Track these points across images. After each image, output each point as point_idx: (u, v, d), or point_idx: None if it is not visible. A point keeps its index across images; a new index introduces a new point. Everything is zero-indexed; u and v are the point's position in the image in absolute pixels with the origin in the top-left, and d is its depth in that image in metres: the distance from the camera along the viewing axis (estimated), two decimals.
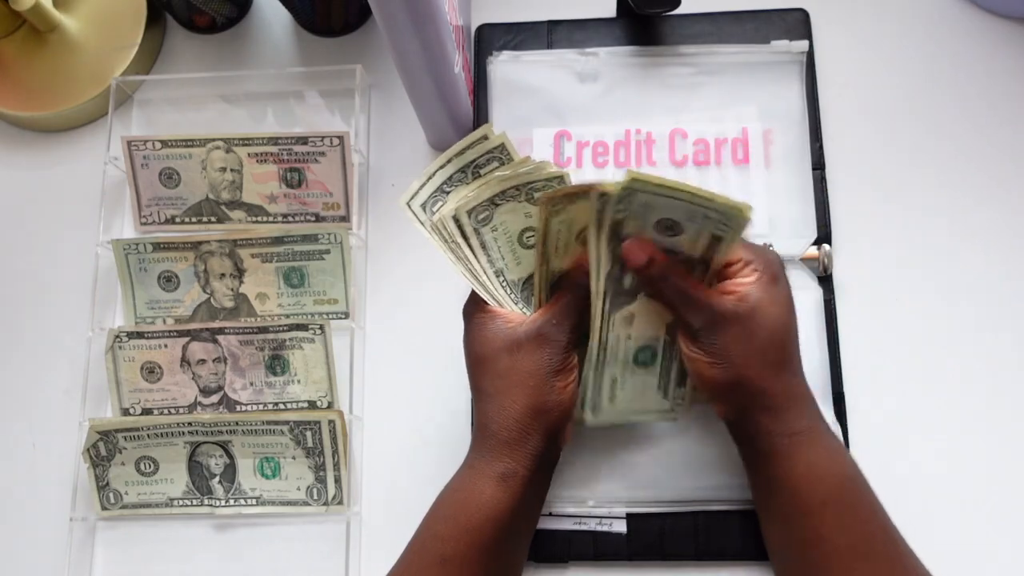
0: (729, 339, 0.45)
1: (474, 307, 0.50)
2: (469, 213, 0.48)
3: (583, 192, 0.44)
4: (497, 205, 0.48)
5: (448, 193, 0.49)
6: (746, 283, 0.46)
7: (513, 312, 0.49)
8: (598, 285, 0.46)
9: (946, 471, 0.55)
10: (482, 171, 0.49)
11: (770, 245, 0.56)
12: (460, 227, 0.48)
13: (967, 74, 0.62)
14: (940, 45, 0.63)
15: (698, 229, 0.44)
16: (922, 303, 0.58)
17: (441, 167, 0.48)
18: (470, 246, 0.48)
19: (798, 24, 0.62)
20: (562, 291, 0.49)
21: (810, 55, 0.61)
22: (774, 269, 0.47)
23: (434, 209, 0.49)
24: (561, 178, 0.48)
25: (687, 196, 0.42)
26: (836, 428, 0.54)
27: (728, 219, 0.43)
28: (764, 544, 0.51)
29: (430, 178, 0.48)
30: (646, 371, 0.50)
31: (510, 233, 0.49)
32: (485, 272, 0.49)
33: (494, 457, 0.47)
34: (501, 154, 0.49)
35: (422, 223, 0.49)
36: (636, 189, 0.42)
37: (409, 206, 0.49)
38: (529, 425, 0.46)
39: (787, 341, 0.46)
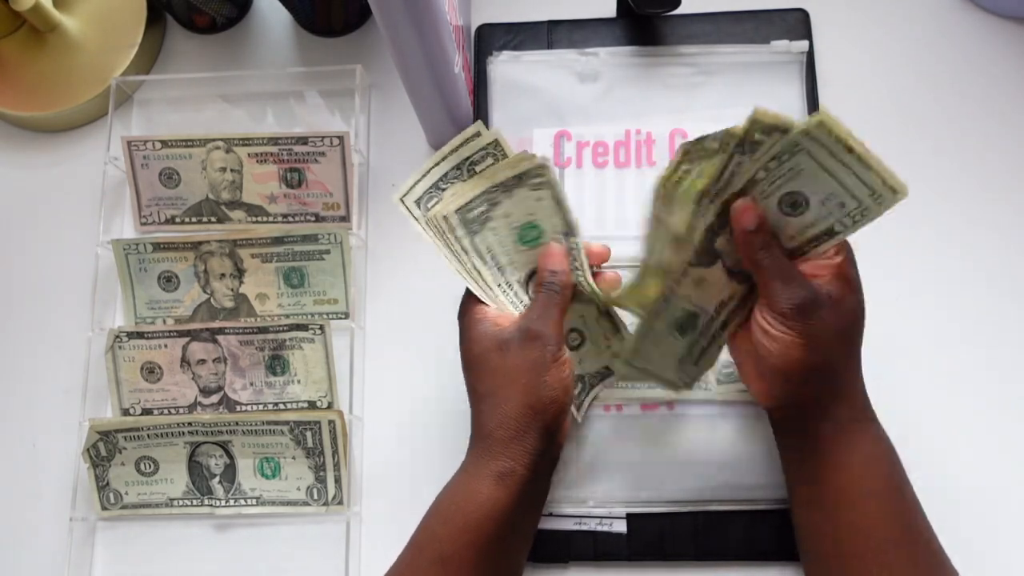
0: (821, 322, 0.44)
1: (466, 308, 0.50)
2: (458, 212, 0.48)
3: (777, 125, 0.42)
4: (496, 204, 0.49)
5: (443, 190, 0.49)
6: (836, 264, 0.45)
7: (503, 313, 0.50)
8: (695, 236, 0.45)
9: (949, 470, 0.55)
10: (477, 168, 0.49)
11: None
12: (450, 226, 0.48)
13: (967, 74, 0.62)
14: (940, 45, 0.63)
15: (822, 215, 0.44)
16: (922, 303, 0.58)
17: (436, 164, 0.49)
18: (461, 246, 0.49)
19: (798, 24, 0.62)
20: (536, 288, 0.49)
21: (810, 55, 0.61)
22: (852, 254, 0.46)
23: (429, 206, 0.49)
24: (543, 166, 0.48)
25: (855, 159, 0.41)
26: None
27: (866, 209, 0.43)
28: (770, 542, 0.51)
29: (424, 175, 0.49)
30: (679, 339, 0.49)
31: (513, 228, 0.49)
32: (477, 270, 0.49)
33: (492, 456, 0.47)
34: (495, 150, 0.49)
35: (416, 219, 0.49)
36: (816, 137, 0.41)
37: (403, 202, 0.49)
38: (525, 423, 0.46)
39: (861, 328, 0.46)
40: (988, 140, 0.61)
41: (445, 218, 0.48)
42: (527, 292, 0.51)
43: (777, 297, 0.44)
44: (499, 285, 0.50)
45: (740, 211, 0.44)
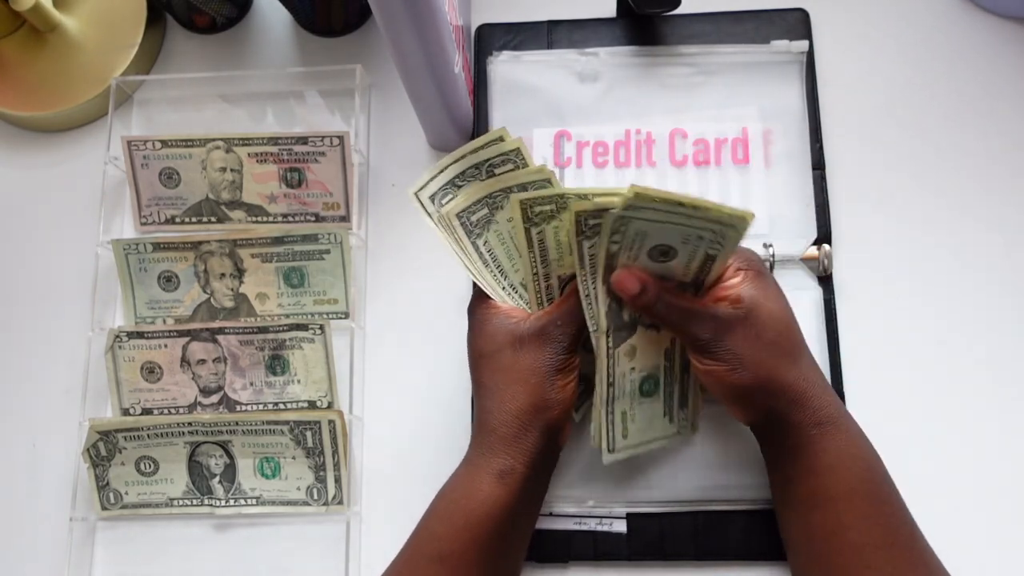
0: (739, 341, 0.45)
1: (479, 302, 0.50)
2: (459, 215, 0.48)
3: (561, 203, 0.45)
4: (499, 208, 0.48)
5: (460, 188, 0.49)
6: (735, 284, 0.46)
7: (517, 308, 0.49)
8: (600, 322, 0.46)
9: (947, 471, 0.55)
10: (496, 171, 0.48)
11: (770, 245, 0.56)
12: (453, 227, 0.48)
13: (967, 74, 0.62)
14: (940, 45, 0.63)
15: (692, 251, 0.44)
16: (922, 303, 0.58)
17: (455, 162, 0.48)
18: (463, 247, 0.49)
19: (798, 24, 0.62)
20: (569, 293, 0.49)
21: (810, 55, 0.61)
22: (756, 264, 0.47)
23: (443, 203, 0.49)
24: (548, 179, 0.48)
25: (688, 209, 0.41)
26: None
27: (724, 235, 0.43)
28: (770, 542, 0.51)
29: (442, 171, 0.48)
30: (652, 400, 0.50)
31: (513, 234, 0.49)
32: (483, 272, 0.49)
33: (493, 454, 0.47)
34: (516, 158, 0.48)
35: (429, 215, 0.49)
36: (638, 206, 0.41)
37: (417, 196, 0.49)
38: (527, 422, 0.46)
39: (792, 330, 0.46)
40: (988, 140, 0.61)
41: (448, 219, 0.48)
42: (531, 292, 0.51)
43: (690, 337, 0.46)
44: (503, 287, 0.50)
45: (618, 283, 0.45)
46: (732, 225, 0.42)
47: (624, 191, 0.40)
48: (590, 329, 0.47)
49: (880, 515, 0.45)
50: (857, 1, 0.64)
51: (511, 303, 0.50)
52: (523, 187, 0.48)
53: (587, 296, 0.46)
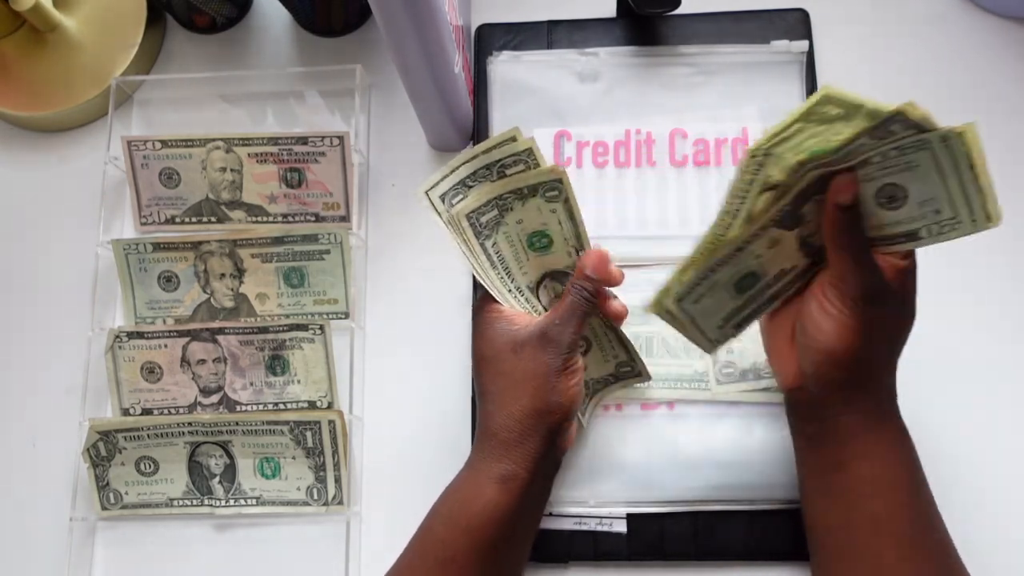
0: (884, 314, 0.43)
1: (482, 305, 0.50)
2: (468, 216, 0.48)
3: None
4: (508, 209, 0.48)
5: (471, 188, 0.48)
6: (900, 265, 0.43)
7: (520, 312, 0.50)
8: (796, 185, 0.43)
9: (948, 470, 0.55)
10: (508, 172, 0.48)
11: None
12: (462, 228, 0.48)
13: (967, 74, 0.62)
14: (940, 45, 0.63)
15: (912, 217, 0.42)
16: (922, 302, 0.58)
17: (466, 162, 0.48)
18: (471, 248, 0.48)
19: (798, 24, 0.62)
20: (565, 292, 0.49)
21: (810, 55, 0.61)
22: (915, 259, 0.45)
23: (453, 202, 0.48)
24: (559, 179, 0.48)
25: (973, 177, 0.40)
26: None
27: (960, 221, 0.41)
28: (770, 542, 0.51)
29: (453, 171, 0.48)
30: (734, 298, 0.48)
31: (524, 234, 0.49)
32: (489, 273, 0.49)
33: (495, 458, 0.47)
34: (528, 158, 0.48)
35: (439, 214, 0.48)
36: (953, 145, 0.40)
37: (428, 195, 0.48)
38: (530, 426, 0.46)
39: (908, 335, 0.46)
40: (988, 140, 0.60)
41: (457, 220, 0.48)
42: (537, 297, 0.51)
43: (849, 279, 0.43)
44: (509, 290, 0.50)
45: (840, 185, 0.42)
46: (979, 217, 0.41)
47: (956, 127, 0.40)
48: (504, 287, 0.47)
49: (920, 506, 0.45)
50: (857, 1, 0.64)
51: (517, 307, 0.50)
52: (533, 188, 0.48)
53: (798, 168, 0.42)
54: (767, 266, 0.47)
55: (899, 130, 0.41)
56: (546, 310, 0.50)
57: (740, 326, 0.50)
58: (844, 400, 0.45)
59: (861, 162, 0.42)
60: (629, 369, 0.54)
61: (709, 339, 0.50)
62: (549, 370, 0.47)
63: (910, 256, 0.44)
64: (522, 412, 0.46)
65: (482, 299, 0.50)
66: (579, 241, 0.50)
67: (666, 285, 0.47)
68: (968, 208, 0.41)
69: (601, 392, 0.55)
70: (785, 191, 0.43)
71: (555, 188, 0.48)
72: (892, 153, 0.41)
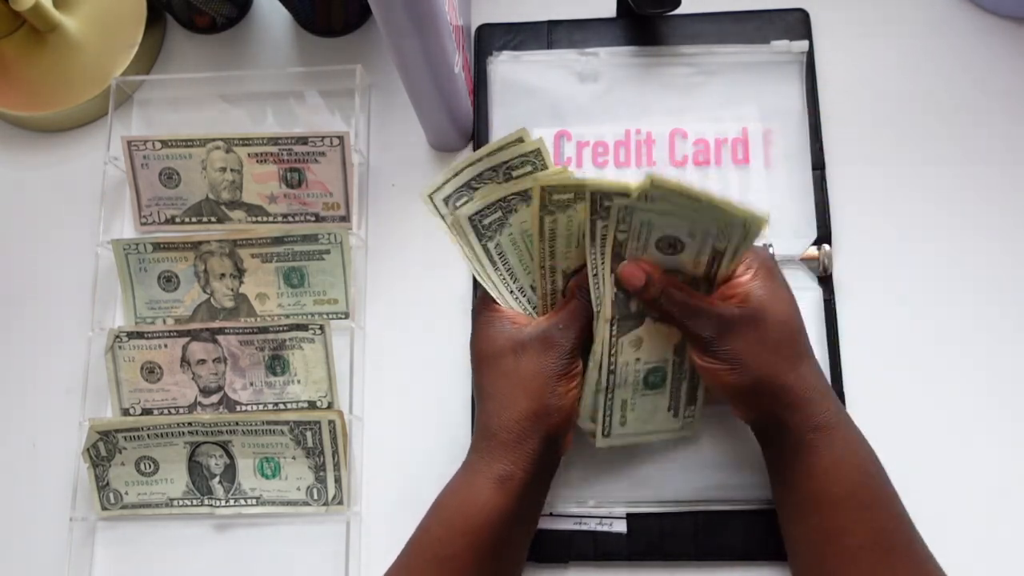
0: (741, 343, 0.45)
1: (483, 305, 0.50)
2: (472, 218, 0.47)
3: (579, 193, 0.44)
4: (513, 211, 0.48)
5: (476, 190, 0.48)
6: (744, 282, 0.46)
7: (521, 314, 0.49)
8: (605, 311, 0.46)
9: (947, 471, 0.55)
10: (514, 173, 0.48)
11: (770, 245, 0.56)
12: (463, 231, 0.48)
13: (967, 74, 0.62)
14: (940, 45, 0.63)
15: (700, 245, 0.44)
16: (922, 302, 0.58)
17: (471, 164, 0.47)
18: (474, 251, 0.48)
19: (798, 24, 0.62)
20: (570, 295, 0.49)
21: (810, 55, 0.61)
22: (768, 264, 0.47)
23: (457, 204, 0.48)
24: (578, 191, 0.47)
25: (704, 205, 0.41)
26: None
27: (731, 233, 0.43)
28: (770, 542, 0.51)
29: (457, 174, 0.47)
30: (656, 393, 0.50)
31: (526, 237, 0.49)
32: (492, 275, 0.49)
33: (493, 458, 0.47)
34: (535, 159, 0.47)
35: (442, 217, 0.48)
36: (652, 195, 0.41)
37: (431, 199, 0.48)
38: (528, 427, 0.46)
39: (796, 333, 0.46)
40: (988, 140, 0.61)
41: (459, 222, 0.47)
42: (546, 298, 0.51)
43: (692, 334, 0.45)
44: (511, 292, 0.50)
45: (625, 276, 0.45)
46: (744, 226, 0.42)
47: (641, 180, 0.40)
48: (594, 309, 0.47)
49: (876, 519, 0.45)
50: (857, 1, 0.64)
51: (517, 308, 0.50)
52: (527, 190, 0.47)
53: (595, 277, 0.46)
54: (657, 355, 0.49)
55: (609, 203, 0.43)
56: (547, 307, 0.50)
57: (693, 403, 0.52)
58: (776, 425, 0.46)
59: (619, 245, 0.44)
60: None
61: (674, 430, 0.52)
62: (550, 373, 0.46)
63: (752, 266, 0.46)
64: (522, 414, 0.46)
65: (483, 298, 0.50)
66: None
67: (589, 428, 0.51)
68: (727, 223, 0.42)
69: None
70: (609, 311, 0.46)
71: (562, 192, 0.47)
72: (623, 227, 0.43)
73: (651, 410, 0.51)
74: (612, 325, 0.47)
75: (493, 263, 0.49)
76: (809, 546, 0.46)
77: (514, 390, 0.47)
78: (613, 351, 0.47)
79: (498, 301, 0.49)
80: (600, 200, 0.43)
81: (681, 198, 0.41)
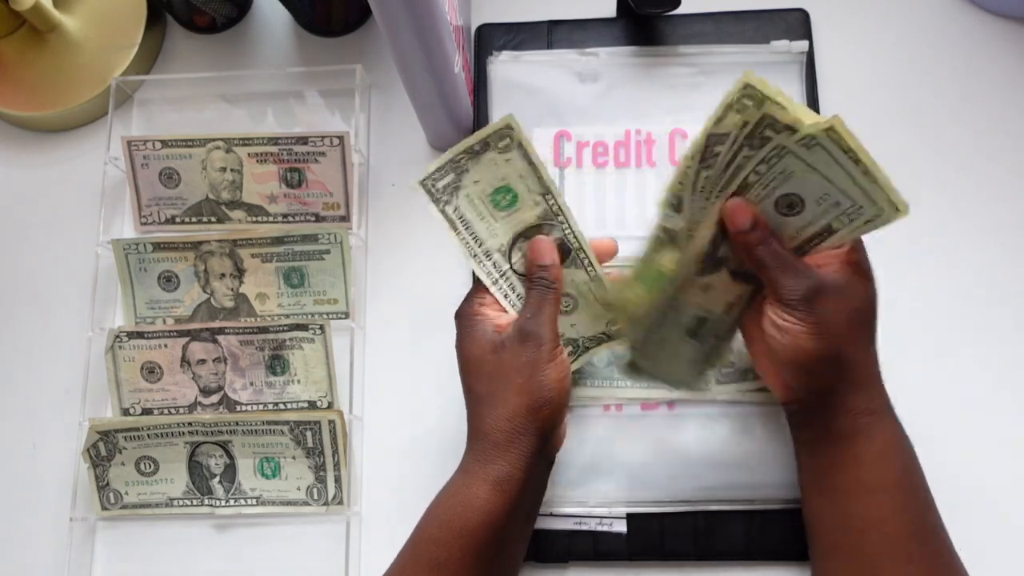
0: (831, 309, 0.44)
1: (464, 308, 0.50)
2: (423, 182, 0.47)
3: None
4: (464, 171, 0.47)
5: (458, 166, 0.47)
6: (839, 254, 0.45)
7: (503, 315, 0.49)
8: (699, 244, 0.45)
9: (949, 470, 0.55)
10: (498, 145, 0.47)
11: None
12: (434, 199, 0.47)
13: (967, 74, 0.62)
14: (940, 45, 0.63)
15: (819, 215, 0.43)
16: (923, 302, 0.58)
17: (459, 152, 0.47)
18: (438, 213, 0.48)
19: (798, 24, 0.62)
20: (527, 287, 0.49)
21: (810, 55, 0.61)
22: (860, 245, 0.46)
23: (439, 185, 0.48)
24: (509, 126, 0.46)
25: (859, 169, 0.40)
26: None
27: (860, 213, 0.42)
28: (770, 542, 0.51)
29: (447, 161, 0.47)
30: (691, 343, 0.49)
31: (486, 195, 0.48)
32: (453, 238, 0.49)
33: (488, 460, 0.46)
34: (511, 133, 0.47)
35: (435, 202, 0.48)
36: (823, 142, 0.40)
37: (422, 185, 0.47)
38: (520, 425, 0.46)
39: (875, 314, 0.46)
40: (988, 139, 0.61)
41: (424, 187, 0.47)
42: (509, 260, 0.50)
43: (782, 289, 0.44)
44: (475, 256, 0.49)
45: (731, 212, 0.44)
46: (886, 207, 0.41)
47: (822, 120, 0.39)
48: (682, 240, 0.46)
49: (918, 509, 0.44)
50: (857, 1, 0.64)
51: (483, 273, 0.49)
52: (484, 143, 0.46)
53: (702, 203, 0.45)
54: (711, 307, 0.48)
55: (772, 135, 0.42)
56: (517, 274, 0.50)
57: (711, 363, 0.51)
58: (831, 403, 0.45)
59: (742, 186, 0.44)
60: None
61: (684, 381, 0.52)
62: (532, 365, 0.46)
63: (846, 245, 0.45)
64: (512, 411, 0.46)
65: (466, 301, 0.50)
66: (542, 185, 0.48)
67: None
68: (868, 198, 0.42)
69: (593, 349, 0.54)
70: (698, 245, 0.46)
71: (506, 136, 0.47)
72: (762, 168, 0.43)
73: (680, 357, 0.50)
74: (703, 263, 0.46)
75: (454, 226, 0.48)
76: (847, 533, 0.45)
77: (503, 389, 0.47)
78: (689, 290, 0.47)
79: (486, 281, 0.49)
80: (764, 128, 0.41)
81: (851, 154, 0.40)
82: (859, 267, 0.45)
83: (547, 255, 0.49)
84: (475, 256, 0.49)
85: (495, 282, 0.50)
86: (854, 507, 0.45)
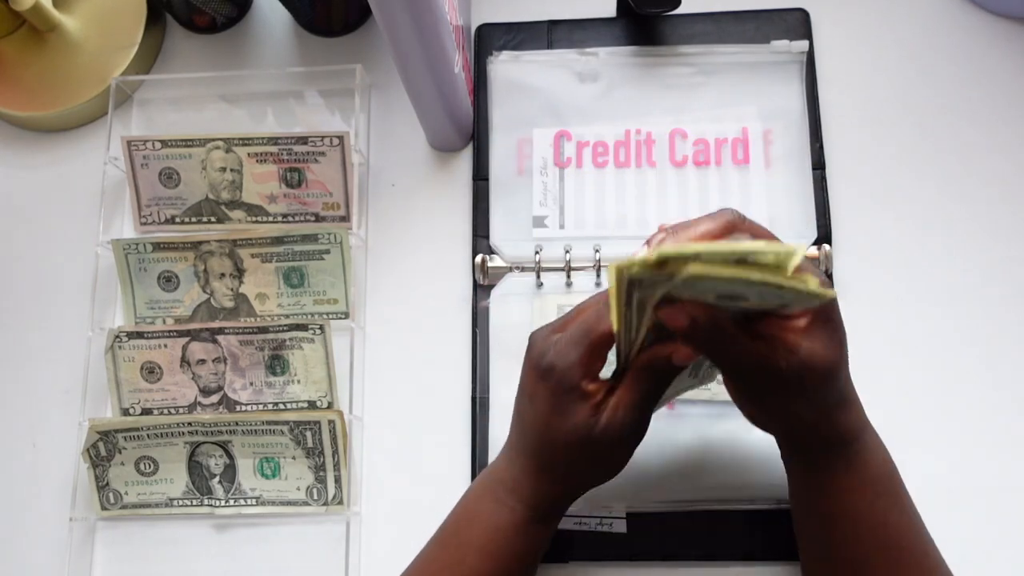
0: (777, 400, 0.42)
1: (563, 367, 0.44)
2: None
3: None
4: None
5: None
6: (797, 328, 0.41)
7: (600, 389, 0.44)
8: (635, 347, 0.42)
9: (947, 471, 0.55)
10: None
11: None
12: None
13: (967, 74, 0.62)
14: (940, 45, 0.63)
15: (763, 300, 0.38)
16: (922, 302, 0.58)
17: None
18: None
19: (798, 24, 0.62)
20: (635, 379, 0.43)
21: (810, 55, 0.61)
22: (828, 306, 0.41)
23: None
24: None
25: (757, 278, 0.34)
26: None
27: (797, 302, 0.38)
28: (770, 542, 0.52)
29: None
30: (686, 379, 0.47)
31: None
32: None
33: (505, 477, 0.46)
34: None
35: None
36: (697, 277, 0.35)
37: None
38: (537, 465, 0.45)
39: (835, 385, 0.43)
40: (988, 139, 0.61)
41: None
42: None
43: (731, 382, 0.43)
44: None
45: (666, 316, 0.39)
46: (810, 299, 0.37)
47: (681, 270, 0.34)
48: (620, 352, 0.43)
49: (903, 546, 0.44)
50: (857, 1, 0.64)
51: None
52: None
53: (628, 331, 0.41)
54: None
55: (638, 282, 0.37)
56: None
57: (711, 376, 0.49)
58: (800, 458, 0.46)
59: (665, 301, 0.39)
60: None
61: (693, 384, 0.49)
62: (552, 406, 0.43)
63: (807, 316, 0.41)
64: (532, 447, 0.45)
65: (565, 347, 0.43)
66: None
67: None
68: (794, 292, 0.36)
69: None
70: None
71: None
72: (675, 291, 0.38)
73: (678, 388, 0.48)
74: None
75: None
76: (825, 549, 0.46)
77: (525, 416, 0.45)
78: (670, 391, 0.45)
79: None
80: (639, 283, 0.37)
81: (730, 280, 0.35)
82: (818, 343, 0.41)
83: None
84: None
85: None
86: (837, 546, 0.45)
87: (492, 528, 0.45)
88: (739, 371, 0.42)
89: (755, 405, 0.44)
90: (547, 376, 0.43)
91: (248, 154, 0.62)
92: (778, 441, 0.47)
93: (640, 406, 0.43)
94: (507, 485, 0.46)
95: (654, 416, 0.56)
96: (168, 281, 0.62)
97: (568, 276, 0.58)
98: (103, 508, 0.59)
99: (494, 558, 0.45)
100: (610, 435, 0.43)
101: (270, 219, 0.63)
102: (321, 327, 0.59)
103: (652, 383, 0.43)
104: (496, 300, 0.59)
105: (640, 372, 0.43)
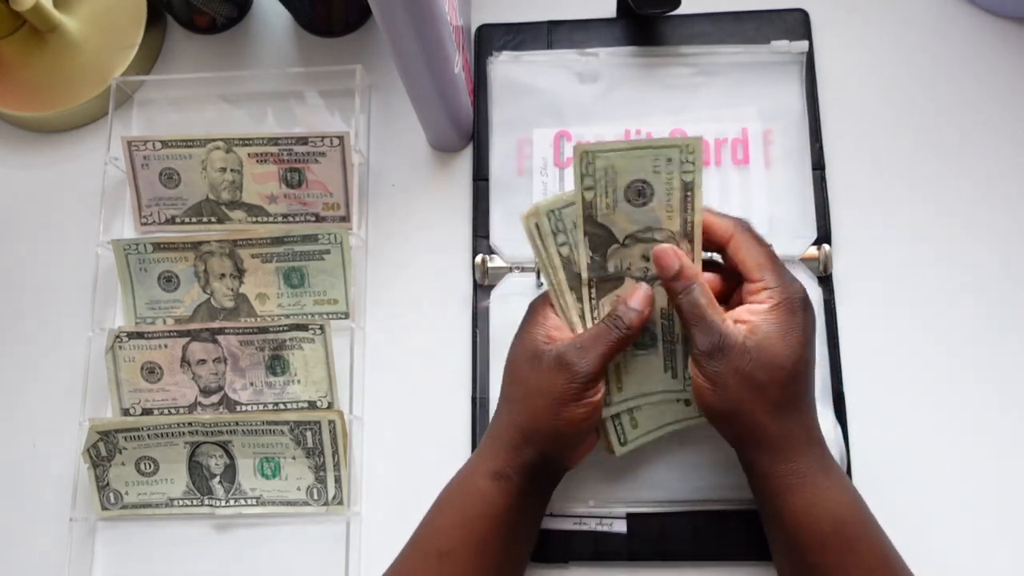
0: (730, 369, 0.43)
1: (537, 301, 0.49)
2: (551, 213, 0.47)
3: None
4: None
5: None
6: (759, 311, 0.44)
7: (563, 328, 0.48)
8: (583, 273, 0.46)
9: (947, 470, 0.55)
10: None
11: (769, 245, 0.56)
12: (539, 226, 0.47)
13: (967, 74, 0.62)
14: (940, 45, 0.63)
15: (667, 183, 0.44)
16: (922, 303, 0.58)
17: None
18: (546, 247, 0.47)
19: (798, 24, 0.62)
20: (604, 320, 0.46)
21: (810, 55, 0.61)
22: (793, 301, 0.44)
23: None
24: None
25: (639, 151, 0.44)
26: (836, 429, 0.54)
27: (686, 158, 0.44)
28: (765, 544, 0.51)
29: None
30: (648, 352, 0.49)
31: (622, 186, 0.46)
32: (554, 275, 0.48)
33: (492, 455, 0.47)
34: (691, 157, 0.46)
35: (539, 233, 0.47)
36: (598, 151, 0.44)
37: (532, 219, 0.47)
38: (526, 439, 0.46)
39: (792, 380, 0.44)
40: (988, 140, 0.61)
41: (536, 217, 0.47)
42: (605, 269, 0.47)
43: (692, 340, 0.45)
44: (573, 291, 0.48)
45: (661, 256, 0.45)
46: (686, 148, 0.44)
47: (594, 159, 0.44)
48: (566, 287, 0.47)
49: (859, 563, 0.44)
50: (857, 1, 0.64)
51: (572, 304, 0.48)
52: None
53: (564, 244, 0.46)
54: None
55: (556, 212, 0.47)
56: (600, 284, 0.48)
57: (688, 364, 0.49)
58: (750, 461, 0.46)
59: (589, 206, 0.46)
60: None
61: (679, 391, 0.50)
62: (556, 396, 0.45)
63: (774, 296, 0.44)
64: (518, 425, 0.46)
65: (539, 300, 0.49)
66: (688, 234, 0.46)
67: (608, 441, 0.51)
68: (667, 157, 0.45)
69: (651, 431, 0.52)
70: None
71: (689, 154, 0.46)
72: (587, 182, 0.45)
73: (645, 371, 0.49)
74: (591, 288, 0.47)
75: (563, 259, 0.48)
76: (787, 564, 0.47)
77: (523, 402, 0.47)
78: (595, 315, 0.47)
79: (556, 305, 0.48)
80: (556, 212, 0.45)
81: (622, 144, 0.43)
82: (778, 330, 0.43)
83: (641, 301, 0.46)
84: (571, 289, 0.48)
85: (571, 290, 0.48)
86: (794, 556, 0.46)
87: (452, 485, 0.48)
88: (698, 335, 0.44)
89: (715, 388, 0.44)
90: (526, 320, 0.49)
91: (248, 154, 0.62)
92: (738, 456, 0.48)
93: (596, 349, 0.45)
94: (470, 458, 0.49)
95: None
96: (168, 281, 0.62)
97: None
98: (103, 508, 0.59)
99: (450, 515, 0.47)
100: (559, 358, 0.45)
101: (270, 219, 0.63)
102: (321, 327, 0.59)
103: (614, 335, 0.46)
104: (496, 300, 0.59)
105: (606, 322, 0.46)
